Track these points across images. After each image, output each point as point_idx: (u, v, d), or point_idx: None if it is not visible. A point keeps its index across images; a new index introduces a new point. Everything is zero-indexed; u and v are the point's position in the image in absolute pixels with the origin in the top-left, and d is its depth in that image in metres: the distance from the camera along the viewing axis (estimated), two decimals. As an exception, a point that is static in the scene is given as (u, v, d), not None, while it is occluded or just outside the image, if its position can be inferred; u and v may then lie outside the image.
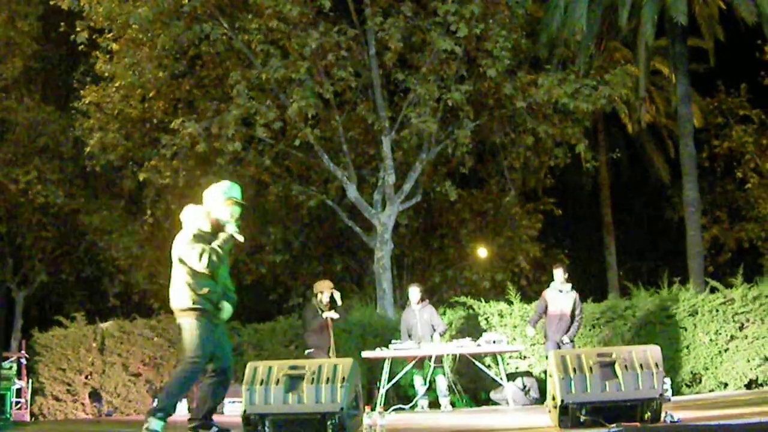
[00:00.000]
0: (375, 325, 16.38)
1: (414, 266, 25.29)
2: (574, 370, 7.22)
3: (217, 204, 8.11)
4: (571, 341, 14.09)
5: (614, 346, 15.15)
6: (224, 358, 7.95)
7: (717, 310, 15.10)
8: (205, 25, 17.74)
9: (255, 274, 23.73)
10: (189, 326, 7.83)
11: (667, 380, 13.91)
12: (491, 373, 14.52)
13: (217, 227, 8.01)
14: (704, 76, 27.21)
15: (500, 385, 14.32)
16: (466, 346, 13.96)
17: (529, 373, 15.07)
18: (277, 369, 7.53)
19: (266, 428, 7.40)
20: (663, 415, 7.26)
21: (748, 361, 14.66)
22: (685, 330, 15.32)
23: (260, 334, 16.89)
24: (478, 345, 13.98)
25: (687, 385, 15.14)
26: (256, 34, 17.78)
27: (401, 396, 14.99)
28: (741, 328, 14.91)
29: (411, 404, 14.31)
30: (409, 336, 14.60)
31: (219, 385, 7.96)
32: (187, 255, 7.84)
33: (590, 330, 15.86)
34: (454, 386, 14.69)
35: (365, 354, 14.03)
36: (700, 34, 24.74)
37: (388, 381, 13.95)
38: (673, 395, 14.09)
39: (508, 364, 15.55)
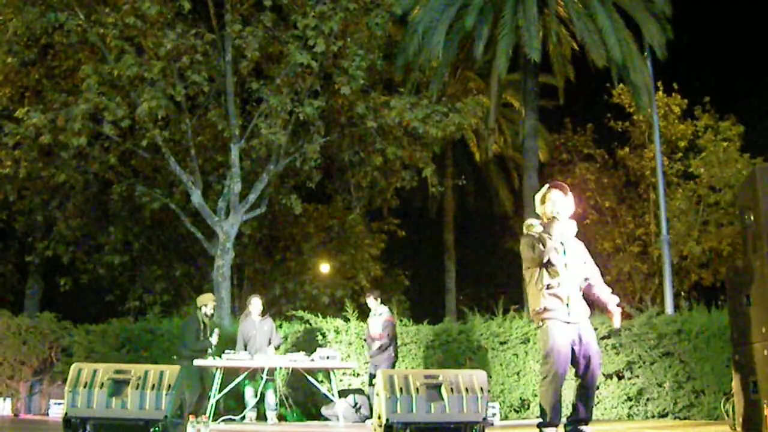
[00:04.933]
0: (210, 333, 16.21)
1: (254, 277, 25.14)
2: (401, 390, 7.27)
3: (540, 203, 8.13)
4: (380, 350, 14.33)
5: (447, 368, 15.42)
6: (584, 359, 7.85)
7: (548, 340, 15.41)
8: (60, 14, 17.35)
9: (92, 273, 23.19)
10: (540, 330, 7.92)
11: (495, 404, 14.22)
12: (323, 388, 14.51)
13: (549, 226, 7.96)
14: (553, 112, 28.02)
15: (332, 401, 14.32)
16: (299, 360, 13.91)
17: (361, 391, 15.10)
18: (102, 372, 7.33)
19: (87, 432, 7.21)
20: (485, 438, 7.38)
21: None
22: (517, 357, 15.60)
23: (92, 335, 16.49)
24: (312, 360, 13.95)
25: (515, 411, 15.42)
26: (111, 29, 17.47)
27: (234, 407, 14.81)
28: (570, 359, 15.25)
29: (240, 416, 14.17)
30: (245, 347, 14.47)
31: (581, 389, 7.96)
32: (523, 254, 7.97)
33: (424, 352, 16.01)
34: (285, 400, 14.63)
35: (197, 362, 13.82)
36: (552, 72, 25.39)
37: (220, 391, 13.78)
38: (501, 419, 14.37)
39: (341, 380, 15.58)
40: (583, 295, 8.06)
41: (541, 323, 7.92)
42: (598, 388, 14.63)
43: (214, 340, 14.23)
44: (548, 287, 7.83)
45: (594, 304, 8.21)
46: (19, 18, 17.48)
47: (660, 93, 25.73)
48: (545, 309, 7.83)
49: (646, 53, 21.40)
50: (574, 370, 7.95)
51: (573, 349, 7.81)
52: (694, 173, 25.14)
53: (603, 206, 27.52)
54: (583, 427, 7.86)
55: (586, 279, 8.13)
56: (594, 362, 7.83)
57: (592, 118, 28.38)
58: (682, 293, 25.41)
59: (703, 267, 25.30)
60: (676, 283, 23.86)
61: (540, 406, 7.92)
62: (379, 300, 14.80)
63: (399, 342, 15.84)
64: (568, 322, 7.78)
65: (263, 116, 18.38)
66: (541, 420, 7.87)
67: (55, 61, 19.47)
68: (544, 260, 7.80)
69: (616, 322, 8.10)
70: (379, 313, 14.60)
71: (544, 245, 7.78)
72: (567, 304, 7.80)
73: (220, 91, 19.27)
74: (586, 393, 7.93)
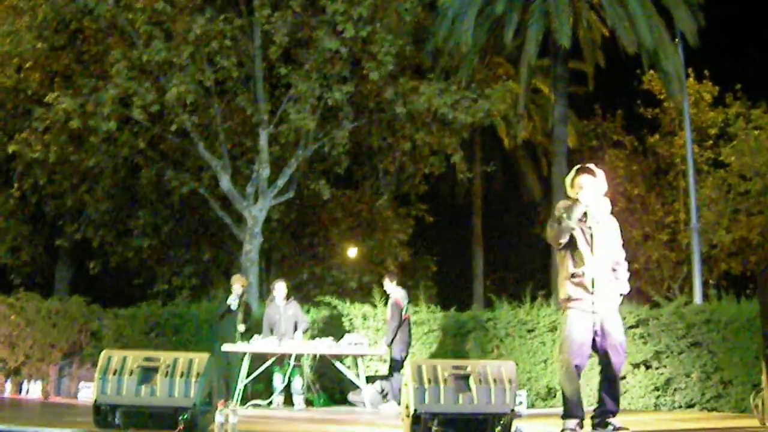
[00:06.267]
0: (238, 318, 16.27)
1: (282, 261, 25.19)
2: (429, 380, 7.27)
3: (570, 187, 8.08)
4: (388, 347, 14.29)
5: (475, 356, 15.43)
6: (604, 350, 7.84)
7: (576, 328, 15.35)
8: (89, -1, 17.39)
9: (121, 257, 23.32)
10: (562, 318, 7.96)
11: (523, 393, 14.17)
12: (350, 374, 14.53)
13: (570, 209, 7.88)
14: (582, 98, 27.83)
15: (358, 387, 14.34)
16: (327, 346, 13.96)
17: (388, 377, 15.12)
18: (131, 359, 7.38)
19: (117, 419, 7.24)
20: (513, 429, 7.37)
21: (602, 379, 14.96)
22: (544, 345, 15.55)
23: (121, 319, 16.61)
24: (339, 346, 13.99)
25: (542, 399, 15.37)
26: (140, 14, 17.48)
27: (261, 392, 14.86)
28: (598, 347, 15.18)
29: (268, 401, 14.23)
30: (271, 331, 14.54)
31: (604, 380, 7.96)
32: (546, 236, 8.01)
33: (451, 339, 16.01)
34: (312, 385, 14.68)
35: (225, 347, 13.90)
36: (582, 58, 25.25)
37: (247, 376, 13.84)
38: (527, 408, 14.34)
39: (368, 366, 15.59)
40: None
41: (563, 311, 7.93)
42: (624, 377, 14.55)
43: (232, 300, 14.65)
44: (573, 276, 7.81)
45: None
46: (49, 3, 17.55)
47: (691, 80, 25.51)
48: (569, 298, 7.83)
49: (677, 40, 21.22)
50: (597, 360, 7.95)
51: (595, 340, 7.79)
52: (724, 161, 24.93)
53: (632, 193, 27.34)
54: (610, 419, 7.84)
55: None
56: (616, 353, 7.80)
57: (621, 104, 28.25)
58: (711, 282, 25.26)
59: (733, 256, 25.13)
60: (705, 271, 23.69)
61: (562, 396, 7.92)
62: (394, 282, 14.77)
63: (426, 329, 15.88)
64: (593, 312, 7.75)
65: (292, 101, 18.38)
66: (563, 411, 7.88)
67: (85, 46, 19.54)
68: (561, 240, 7.79)
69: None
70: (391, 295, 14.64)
71: (560, 222, 7.76)
72: (592, 293, 7.77)
73: (249, 76, 19.27)
74: (609, 384, 7.92)
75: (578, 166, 8.17)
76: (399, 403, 14.04)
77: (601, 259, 7.84)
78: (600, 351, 7.82)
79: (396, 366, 14.20)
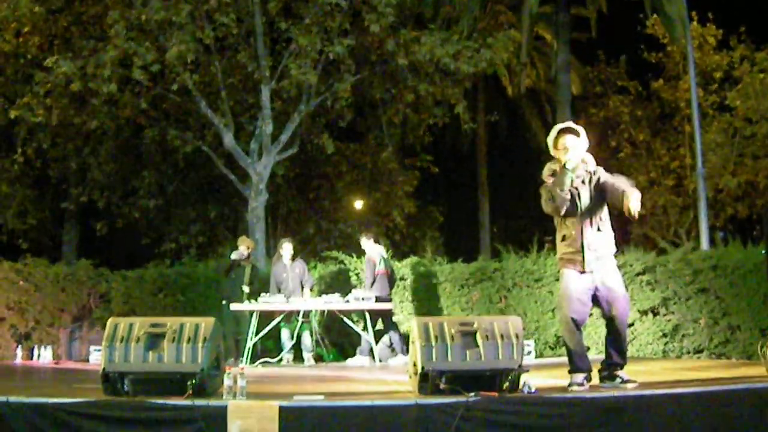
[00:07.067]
0: (245, 276, 16.28)
1: (288, 216, 25.22)
2: (436, 338, 7.28)
3: (553, 147, 8.03)
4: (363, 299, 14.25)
5: (482, 307, 15.46)
6: (607, 304, 7.86)
7: (583, 276, 15.34)
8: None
9: (127, 217, 23.37)
10: (561, 276, 8.00)
11: (531, 342, 14.22)
12: (359, 329, 14.55)
13: (561, 177, 7.87)
14: (586, 45, 27.67)
15: (367, 341, 14.34)
16: (334, 302, 13.98)
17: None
18: (138, 326, 7.39)
19: (125, 386, 7.27)
20: (521, 384, 7.39)
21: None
22: (552, 294, 15.55)
23: (129, 281, 16.65)
24: (347, 301, 14.00)
25: (550, 348, 15.42)
26: (137, -27, 17.39)
27: (271, 349, 14.90)
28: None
29: (278, 358, 14.28)
30: (279, 290, 14.58)
31: (609, 334, 8.00)
32: (542, 206, 8.00)
33: (459, 290, 16.02)
34: (321, 341, 14.72)
35: (233, 306, 13.94)
36: (584, 4, 25.06)
37: (256, 334, 13.88)
38: (536, 357, 14.40)
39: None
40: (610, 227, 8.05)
41: (561, 268, 8.02)
42: (632, 325, 14.57)
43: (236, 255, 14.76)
44: (564, 238, 7.92)
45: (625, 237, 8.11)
46: (46, -35, 17.47)
47: (694, 23, 25.29)
48: (564, 258, 7.92)
49: (680, -17, 21.05)
50: (602, 313, 7.98)
51: (596, 295, 7.81)
52: (729, 105, 24.79)
53: (637, 139, 27.27)
54: (618, 372, 7.86)
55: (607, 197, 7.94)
56: (620, 307, 7.83)
57: (625, 49, 28.08)
58: (717, 226, 25.23)
59: (739, 200, 25.09)
60: (712, 216, 23.63)
61: (566, 350, 7.95)
62: (371, 240, 14.86)
63: (433, 280, 15.90)
64: (591, 271, 7.80)
65: (293, 56, 18.29)
66: (570, 366, 7.90)
67: (83, 7, 19.43)
68: (561, 213, 7.81)
69: (633, 201, 7.52)
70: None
71: (555, 200, 7.78)
72: (584, 252, 7.81)
73: (249, 32, 19.17)
74: (615, 337, 7.94)
75: (559, 126, 8.12)
76: (373, 356, 14.12)
77: (589, 217, 7.87)
78: (603, 306, 7.84)
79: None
